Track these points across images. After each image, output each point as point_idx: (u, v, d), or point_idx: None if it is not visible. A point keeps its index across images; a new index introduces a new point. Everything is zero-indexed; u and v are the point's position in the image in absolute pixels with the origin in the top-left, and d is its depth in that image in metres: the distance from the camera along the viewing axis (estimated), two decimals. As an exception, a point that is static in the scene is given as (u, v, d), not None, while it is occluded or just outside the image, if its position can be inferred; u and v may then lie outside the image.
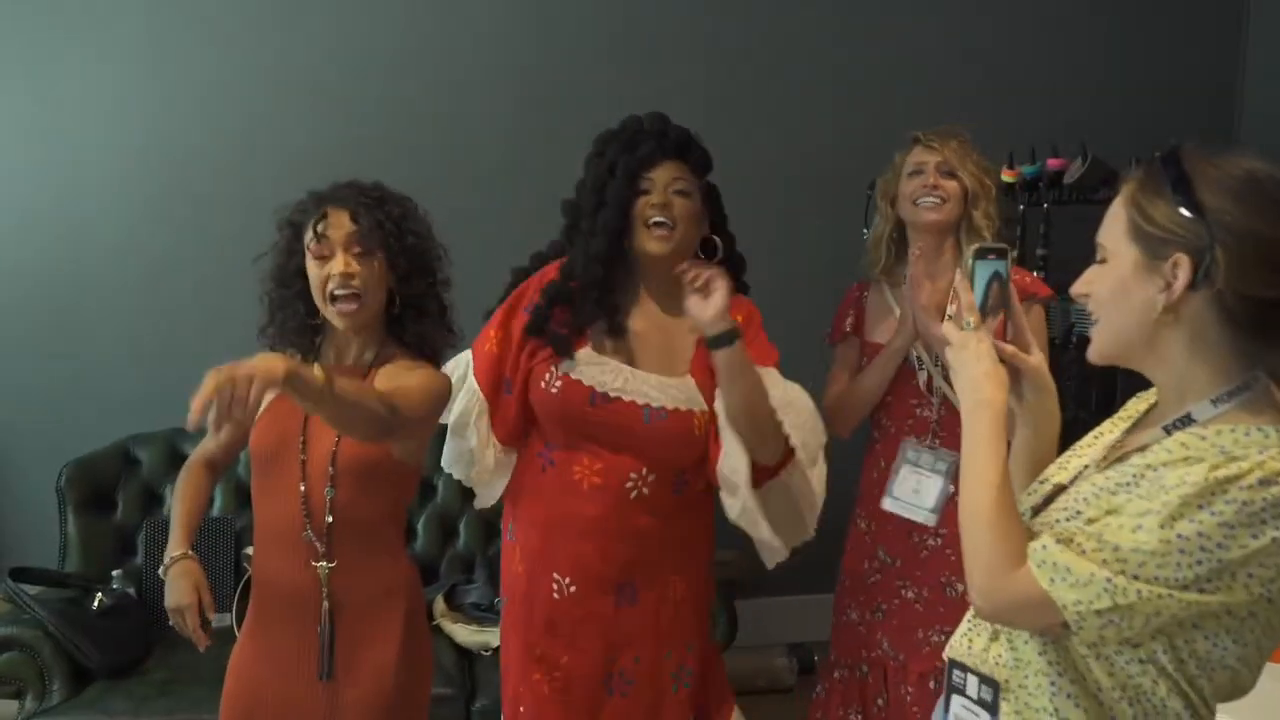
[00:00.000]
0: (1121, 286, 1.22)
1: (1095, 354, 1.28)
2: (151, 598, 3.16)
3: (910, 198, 2.40)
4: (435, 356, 2.04)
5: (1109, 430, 1.37)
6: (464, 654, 3.05)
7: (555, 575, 2.22)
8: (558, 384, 2.19)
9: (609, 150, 2.22)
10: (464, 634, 3.06)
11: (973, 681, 1.31)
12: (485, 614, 3.04)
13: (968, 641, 1.35)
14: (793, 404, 2.13)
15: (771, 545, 2.20)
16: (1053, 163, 3.43)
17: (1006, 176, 3.38)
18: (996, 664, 1.30)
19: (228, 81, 3.47)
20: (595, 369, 2.18)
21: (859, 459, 2.59)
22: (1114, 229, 1.24)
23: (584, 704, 2.22)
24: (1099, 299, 1.25)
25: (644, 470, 2.18)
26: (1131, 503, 1.17)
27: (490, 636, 2.92)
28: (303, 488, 1.92)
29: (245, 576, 3.02)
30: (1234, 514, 1.10)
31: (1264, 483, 1.11)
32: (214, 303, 3.40)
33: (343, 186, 1.98)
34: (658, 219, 2.14)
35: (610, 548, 2.20)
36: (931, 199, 2.37)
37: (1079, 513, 1.22)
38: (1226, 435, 1.17)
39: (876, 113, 3.70)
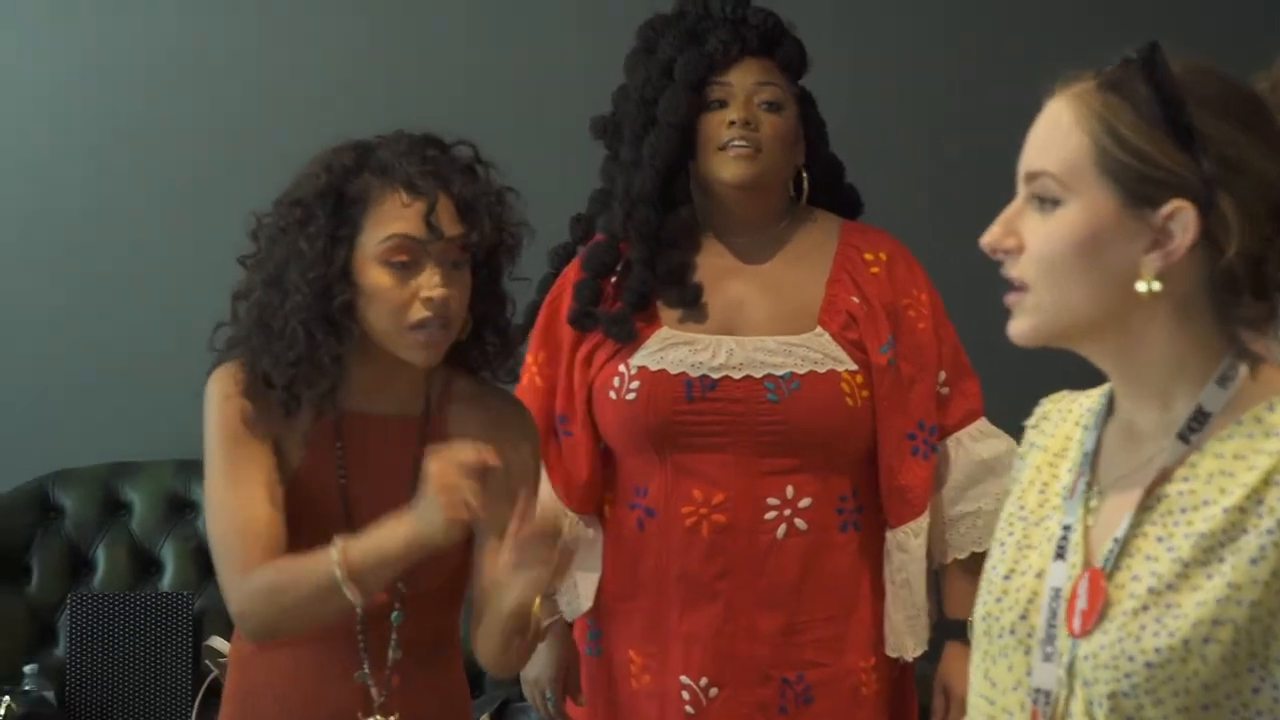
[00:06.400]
0: (1086, 243, 1.04)
1: (1027, 334, 1.08)
2: (78, 703, 2.82)
3: None
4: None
5: (1047, 474, 1.14)
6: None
7: (684, 679, 1.91)
8: (634, 386, 1.90)
9: (663, 44, 1.94)
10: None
11: None
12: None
13: None
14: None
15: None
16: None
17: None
18: None
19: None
20: (683, 350, 1.91)
21: None
22: (1068, 156, 1.04)
23: None
24: (1041, 257, 1.05)
25: (788, 491, 1.89)
26: None
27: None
28: (358, 610, 1.67)
29: (209, 678, 2.72)
30: None
31: None
32: (176, 309, 3.06)
33: (426, 143, 1.60)
34: (738, 141, 1.87)
35: (758, 621, 1.92)
36: None
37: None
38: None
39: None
